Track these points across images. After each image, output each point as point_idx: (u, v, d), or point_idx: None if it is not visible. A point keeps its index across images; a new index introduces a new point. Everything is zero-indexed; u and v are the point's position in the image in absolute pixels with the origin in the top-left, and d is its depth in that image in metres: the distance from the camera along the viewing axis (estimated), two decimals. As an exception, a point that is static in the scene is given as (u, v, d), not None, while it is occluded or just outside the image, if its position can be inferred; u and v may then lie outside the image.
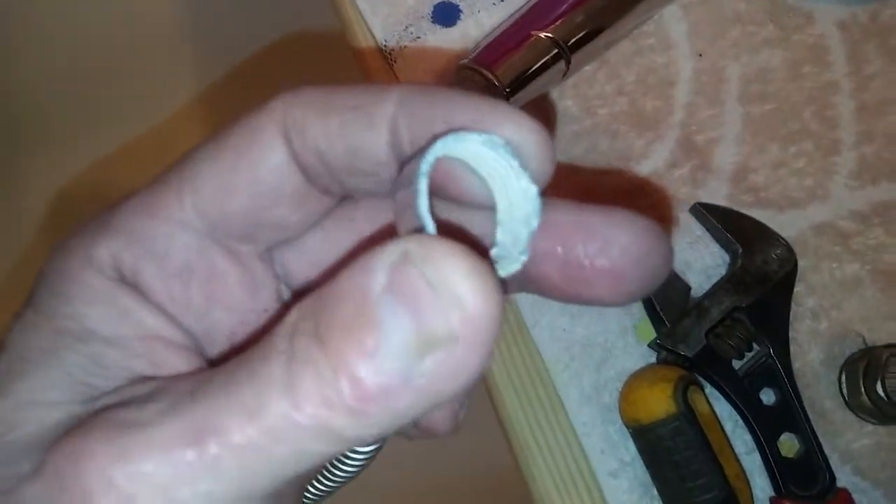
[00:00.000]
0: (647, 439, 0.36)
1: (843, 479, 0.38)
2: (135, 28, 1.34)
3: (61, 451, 0.16)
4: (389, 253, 0.14)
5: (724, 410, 0.38)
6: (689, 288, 0.39)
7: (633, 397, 0.36)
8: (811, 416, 0.38)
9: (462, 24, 0.43)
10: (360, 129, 0.18)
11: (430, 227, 0.16)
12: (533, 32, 0.38)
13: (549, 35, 0.38)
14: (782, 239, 0.39)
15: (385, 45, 0.43)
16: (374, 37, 0.43)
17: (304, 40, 1.24)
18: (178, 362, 0.19)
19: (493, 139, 0.17)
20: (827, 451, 0.38)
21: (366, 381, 0.14)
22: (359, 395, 0.14)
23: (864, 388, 0.37)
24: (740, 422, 0.38)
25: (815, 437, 0.37)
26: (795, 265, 0.39)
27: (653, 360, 0.39)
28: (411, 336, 0.14)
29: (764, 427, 0.37)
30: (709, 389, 0.38)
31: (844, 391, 0.39)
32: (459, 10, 0.43)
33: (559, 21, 0.38)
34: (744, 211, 0.41)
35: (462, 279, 0.14)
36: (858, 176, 0.42)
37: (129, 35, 1.32)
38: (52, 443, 0.16)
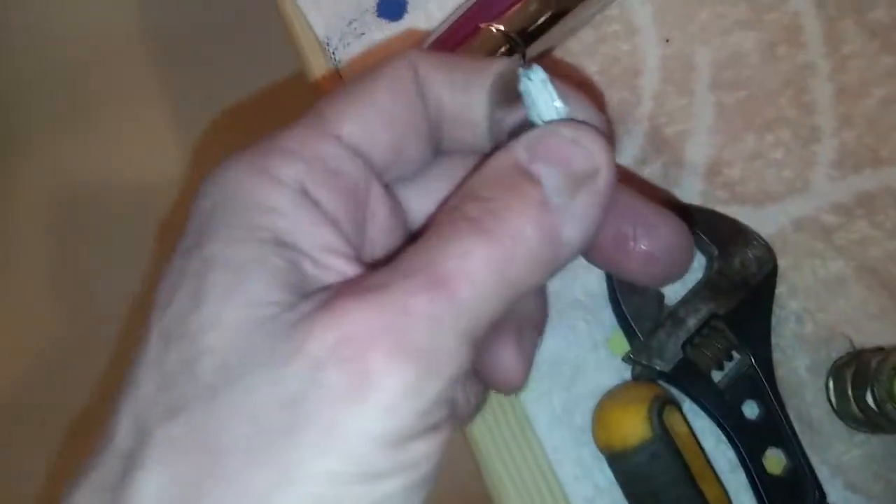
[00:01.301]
0: (622, 466, 0.33)
1: (834, 494, 0.35)
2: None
3: (323, 327, 0.19)
4: (521, 139, 0.22)
5: (706, 426, 0.36)
6: (662, 296, 0.36)
7: (606, 421, 0.33)
8: (798, 428, 0.36)
9: (410, 17, 0.40)
10: (476, 87, 0.24)
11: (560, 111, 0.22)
12: (482, 25, 0.34)
13: (500, 27, 0.35)
14: (761, 238, 0.36)
15: (328, 43, 0.39)
16: (315, 34, 0.40)
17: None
18: (350, 274, 0.21)
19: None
20: (816, 464, 0.35)
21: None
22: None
23: (853, 397, 0.35)
24: (723, 437, 0.36)
25: (803, 451, 0.35)
26: (775, 266, 0.36)
27: (628, 374, 0.36)
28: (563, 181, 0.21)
29: (747, 443, 0.35)
30: (688, 404, 0.36)
31: (832, 399, 0.36)
32: (406, 3, 0.40)
33: (511, 11, 0.35)
34: (720, 208, 0.38)
35: (587, 132, 0.22)
36: (840, 165, 0.39)
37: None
38: (294, 327, 0.19)
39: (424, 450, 0.19)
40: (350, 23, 0.39)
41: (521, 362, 0.25)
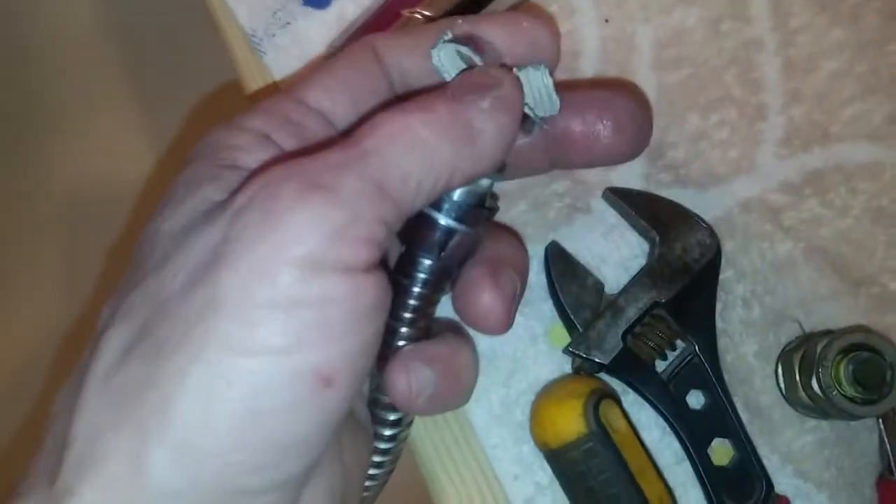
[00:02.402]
0: (560, 463, 0.32)
1: (785, 482, 0.34)
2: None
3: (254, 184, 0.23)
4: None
5: (650, 418, 0.35)
6: (602, 285, 0.35)
7: (541, 418, 0.32)
8: (747, 416, 0.35)
9: (337, 5, 0.38)
10: (427, 48, 0.28)
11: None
12: (404, 12, 0.33)
13: (424, 13, 0.33)
14: (704, 222, 0.35)
15: (253, 35, 0.38)
16: (239, 26, 0.39)
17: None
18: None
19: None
20: (765, 452, 0.34)
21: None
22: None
23: (801, 383, 0.34)
24: (668, 429, 0.34)
25: (750, 442, 0.34)
26: (719, 251, 0.35)
27: (569, 367, 0.35)
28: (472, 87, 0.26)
29: (693, 434, 0.34)
30: (632, 396, 0.35)
31: (781, 385, 0.35)
32: (333, -11, 0.38)
33: (433, -5, 0.33)
34: (663, 192, 0.37)
35: (491, 66, 0.27)
36: (787, 143, 0.38)
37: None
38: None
39: (339, 286, 0.22)
40: (275, 13, 0.38)
41: (498, 302, 0.28)
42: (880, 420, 0.34)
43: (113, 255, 1.14)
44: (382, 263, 0.24)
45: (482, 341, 0.35)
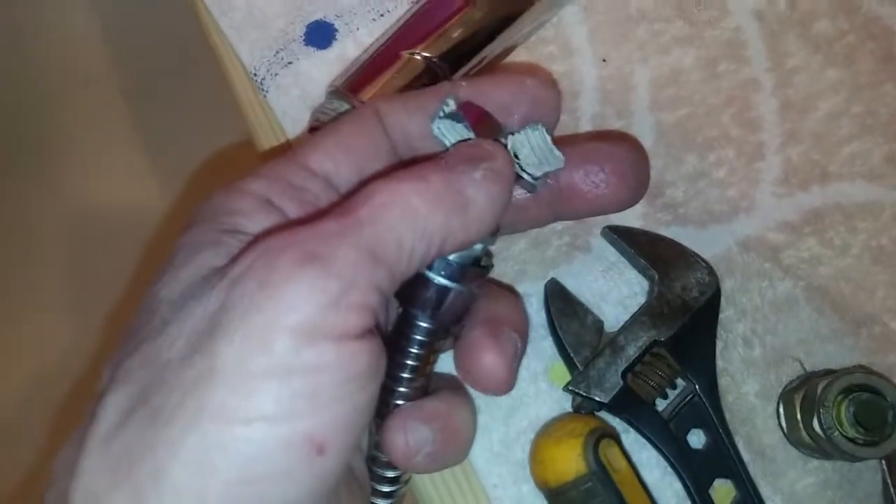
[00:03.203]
0: (559, 503, 0.32)
1: (788, 524, 0.34)
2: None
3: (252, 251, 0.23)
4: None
5: (651, 457, 0.34)
6: (601, 324, 0.35)
7: (540, 457, 0.32)
8: (749, 456, 0.34)
9: (339, 45, 0.39)
10: (429, 111, 0.29)
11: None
12: (403, 52, 0.34)
13: (424, 54, 0.34)
14: (703, 261, 0.35)
15: (255, 74, 0.39)
16: (242, 65, 0.39)
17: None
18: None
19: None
20: (768, 493, 0.34)
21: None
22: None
23: (803, 423, 0.33)
24: (669, 469, 0.34)
25: (752, 482, 0.33)
26: (718, 290, 0.35)
27: (569, 405, 0.35)
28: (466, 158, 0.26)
29: (694, 474, 0.33)
30: (633, 435, 0.34)
31: (783, 426, 0.35)
32: (335, 30, 0.39)
33: (433, 37, 0.34)
34: (662, 230, 0.37)
35: (484, 140, 0.28)
36: (786, 182, 0.38)
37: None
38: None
39: (333, 353, 0.22)
40: (277, 52, 0.38)
41: (501, 362, 0.28)
42: (883, 461, 0.34)
43: (120, 297, 1.14)
44: (377, 327, 0.24)
45: (481, 379, 0.34)
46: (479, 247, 0.27)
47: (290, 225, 0.25)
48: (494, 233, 0.28)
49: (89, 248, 1.24)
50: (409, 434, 0.27)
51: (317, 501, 0.23)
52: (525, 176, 0.29)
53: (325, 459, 0.22)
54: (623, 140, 0.37)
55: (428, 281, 0.27)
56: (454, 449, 0.29)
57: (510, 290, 0.35)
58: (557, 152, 0.29)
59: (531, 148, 0.29)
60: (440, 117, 0.29)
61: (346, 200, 0.25)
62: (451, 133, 0.28)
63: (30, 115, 1.31)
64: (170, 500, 0.21)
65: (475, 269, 0.28)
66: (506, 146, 0.29)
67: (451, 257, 0.27)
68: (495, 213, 0.26)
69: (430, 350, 0.28)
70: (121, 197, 1.26)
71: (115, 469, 0.22)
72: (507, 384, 0.29)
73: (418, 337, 0.28)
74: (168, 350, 0.23)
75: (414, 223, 0.24)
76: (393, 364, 0.28)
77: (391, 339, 0.28)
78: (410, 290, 0.27)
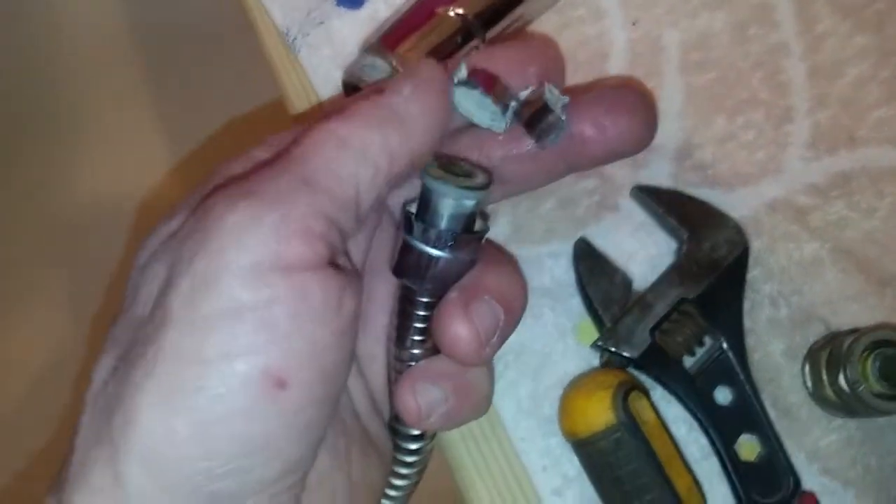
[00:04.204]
0: (588, 453, 0.32)
1: (811, 480, 0.34)
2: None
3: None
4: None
5: (678, 413, 0.35)
6: (630, 281, 0.35)
7: (570, 409, 0.33)
8: (774, 414, 0.35)
9: (371, 5, 0.39)
10: None
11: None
12: (438, 10, 0.34)
13: (458, 12, 0.34)
14: (731, 221, 0.36)
15: (287, 33, 0.39)
16: (275, 25, 0.39)
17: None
18: None
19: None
20: (792, 450, 0.34)
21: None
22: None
23: (828, 381, 0.34)
24: (695, 424, 0.35)
25: (777, 438, 0.34)
26: (746, 249, 0.35)
27: (596, 362, 0.36)
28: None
29: (720, 429, 0.34)
30: (660, 391, 0.35)
31: (808, 384, 0.35)
32: (367, -10, 0.39)
33: (467, -6, 0.34)
34: (690, 191, 0.37)
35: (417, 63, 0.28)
36: (814, 146, 0.38)
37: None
38: None
39: (281, 285, 0.22)
40: (309, 13, 0.39)
41: (467, 331, 0.27)
42: (907, 418, 0.34)
43: (118, 280, 1.14)
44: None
45: (511, 336, 0.35)
46: (469, 202, 0.27)
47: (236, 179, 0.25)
48: (486, 186, 0.28)
49: (93, 244, 1.23)
50: (419, 396, 0.27)
51: (291, 438, 0.24)
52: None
53: (289, 394, 0.23)
54: (624, 83, 0.38)
55: (414, 249, 0.27)
56: (469, 405, 0.29)
57: (509, 261, 0.34)
58: (564, 97, 0.30)
59: (547, 97, 0.29)
60: (455, 85, 0.28)
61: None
62: (467, 101, 0.29)
63: (39, 97, 1.31)
64: (142, 444, 0.22)
65: (466, 236, 0.27)
66: (508, 105, 0.29)
67: (443, 225, 0.27)
68: (435, 121, 0.27)
69: (432, 315, 0.28)
70: (137, 186, 1.25)
71: (98, 424, 0.23)
72: (474, 355, 0.27)
73: (419, 307, 0.28)
74: (140, 310, 0.24)
75: (347, 150, 0.24)
76: (401, 329, 0.29)
77: (397, 305, 0.29)
78: (401, 262, 0.28)
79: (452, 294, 0.28)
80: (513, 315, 0.28)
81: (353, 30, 0.39)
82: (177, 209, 0.26)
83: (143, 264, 0.25)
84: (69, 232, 1.24)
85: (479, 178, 0.28)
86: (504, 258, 0.32)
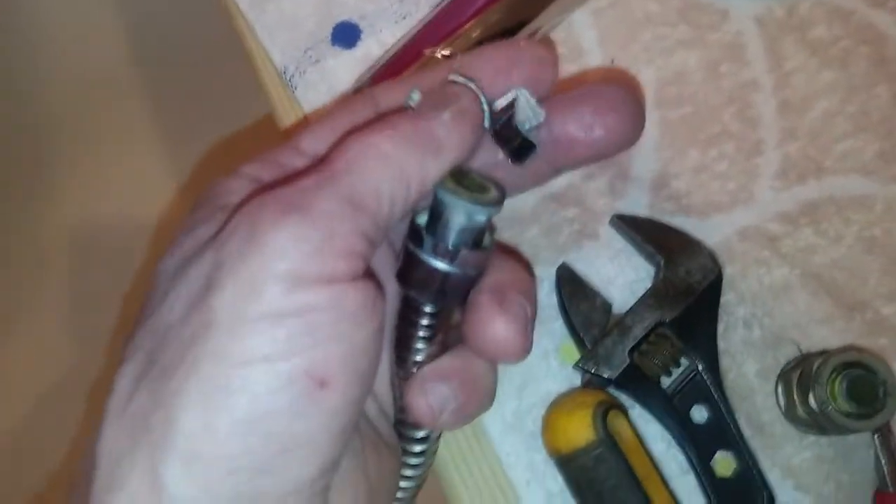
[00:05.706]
0: (570, 469, 0.34)
1: (785, 496, 0.36)
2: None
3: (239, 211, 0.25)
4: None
5: (656, 431, 0.36)
6: (609, 305, 0.37)
7: (553, 426, 0.34)
8: (748, 432, 0.36)
9: (363, 45, 0.41)
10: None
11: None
12: (426, 51, 0.36)
13: (444, 53, 0.36)
14: (706, 247, 0.37)
15: (284, 71, 0.41)
16: (273, 64, 0.42)
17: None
18: None
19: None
20: (767, 466, 0.36)
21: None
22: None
23: (799, 400, 0.36)
24: (673, 441, 0.36)
25: (752, 455, 0.35)
26: (720, 274, 0.37)
27: (578, 382, 0.37)
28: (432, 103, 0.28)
29: (696, 446, 0.35)
30: (639, 410, 0.37)
31: (781, 403, 0.37)
32: (360, 31, 0.41)
33: (453, 37, 0.36)
34: (666, 219, 0.39)
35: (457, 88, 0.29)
36: (783, 176, 0.40)
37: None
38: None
39: (324, 294, 0.23)
40: (305, 51, 0.41)
41: (510, 326, 0.28)
42: (875, 435, 0.36)
43: (129, 298, 1.15)
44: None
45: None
46: (481, 217, 0.27)
47: (269, 187, 0.26)
48: (500, 201, 0.28)
49: (96, 260, 1.25)
50: (430, 395, 0.28)
51: (329, 437, 0.24)
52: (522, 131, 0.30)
53: (330, 393, 0.24)
54: (610, 75, 0.39)
55: (422, 262, 0.27)
56: (477, 399, 0.29)
57: (516, 257, 0.35)
58: (539, 109, 0.30)
59: (517, 110, 0.29)
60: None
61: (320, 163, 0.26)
62: None
63: (38, 122, 1.32)
64: (183, 445, 0.23)
65: (475, 252, 0.27)
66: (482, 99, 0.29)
67: (452, 240, 0.27)
68: (467, 153, 0.27)
69: (441, 321, 0.29)
70: (132, 205, 1.27)
71: (132, 430, 0.24)
72: (522, 348, 0.28)
73: (423, 316, 0.29)
74: (169, 315, 0.25)
75: (389, 169, 0.25)
76: (403, 336, 0.29)
77: (400, 310, 0.29)
78: (408, 273, 0.28)
79: (483, 297, 0.28)
80: (534, 307, 0.30)
81: (347, 68, 0.41)
82: (198, 217, 0.27)
83: (174, 270, 0.26)
84: (71, 250, 1.26)
85: (493, 193, 0.28)
86: (514, 257, 0.34)
